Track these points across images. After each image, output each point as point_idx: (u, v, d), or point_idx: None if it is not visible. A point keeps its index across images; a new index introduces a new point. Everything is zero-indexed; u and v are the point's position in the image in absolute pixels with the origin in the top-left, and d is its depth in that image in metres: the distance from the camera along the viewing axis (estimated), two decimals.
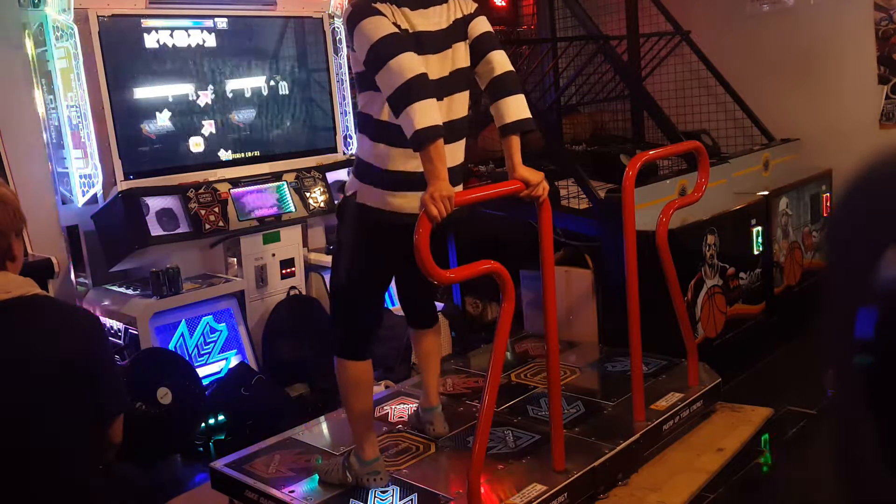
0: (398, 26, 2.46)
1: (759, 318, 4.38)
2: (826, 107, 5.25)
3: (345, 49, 4.78)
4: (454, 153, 2.66)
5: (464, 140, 2.74)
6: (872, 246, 0.71)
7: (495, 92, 2.62)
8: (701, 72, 5.52)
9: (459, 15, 2.65)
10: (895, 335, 0.69)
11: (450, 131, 2.61)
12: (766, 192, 4.49)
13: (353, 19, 2.46)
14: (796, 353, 4.09)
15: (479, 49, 2.65)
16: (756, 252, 4.35)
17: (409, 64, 2.34)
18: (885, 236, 0.72)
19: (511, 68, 2.65)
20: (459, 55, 2.64)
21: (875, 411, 0.73)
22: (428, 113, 2.30)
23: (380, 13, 2.45)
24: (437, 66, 2.55)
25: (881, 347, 0.70)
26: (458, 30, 2.64)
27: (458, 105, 2.68)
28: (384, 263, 2.80)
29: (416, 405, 3.32)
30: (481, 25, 2.67)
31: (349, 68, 2.72)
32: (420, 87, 2.32)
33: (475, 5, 2.72)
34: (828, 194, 4.97)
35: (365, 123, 2.66)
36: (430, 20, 2.58)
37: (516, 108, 2.59)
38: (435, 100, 2.35)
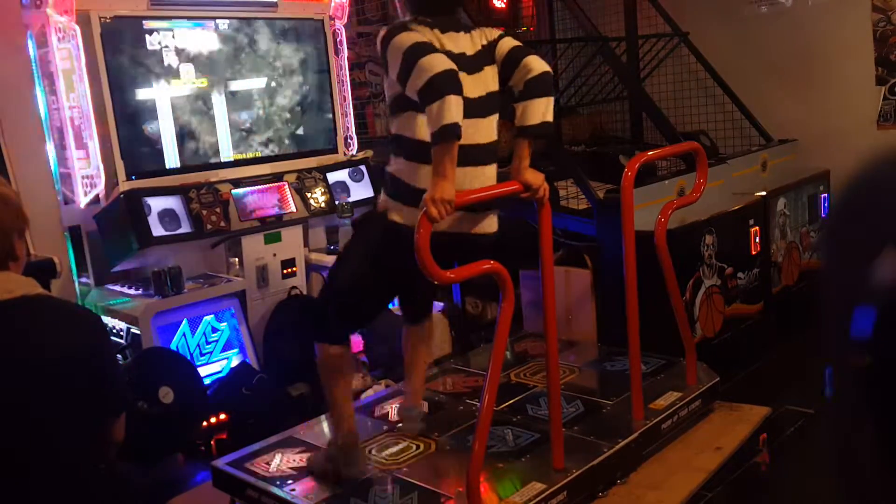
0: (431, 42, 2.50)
1: (757, 318, 4.39)
2: (824, 108, 5.26)
3: (345, 50, 4.80)
4: (486, 176, 2.67)
5: (495, 165, 2.72)
6: (870, 246, 0.72)
7: (530, 91, 2.58)
8: (699, 73, 5.53)
9: (485, 41, 2.68)
10: (893, 335, 0.70)
11: (483, 153, 2.64)
12: (764, 193, 4.50)
13: (387, 38, 2.49)
14: (794, 352, 4.11)
15: (514, 58, 2.63)
16: (754, 252, 4.37)
17: (440, 60, 2.36)
18: (882, 236, 0.72)
19: (549, 69, 2.63)
20: (490, 79, 2.66)
21: (873, 411, 0.74)
22: (457, 109, 2.32)
23: (413, 31, 2.50)
24: (472, 85, 2.54)
25: (879, 347, 0.71)
26: (486, 55, 2.66)
27: (492, 127, 2.69)
28: (398, 279, 2.82)
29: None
30: (510, 42, 2.68)
31: (383, 92, 2.76)
32: (452, 81, 2.33)
33: (500, 31, 2.75)
34: (825, 195, 5.00)
35: (401, 146, 2.65)
36: (460, 44, 2.61)
37: (545, 110, 2.57)
38: (462, 98, 2.35)
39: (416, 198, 2.49)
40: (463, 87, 2.38)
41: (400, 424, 3.27)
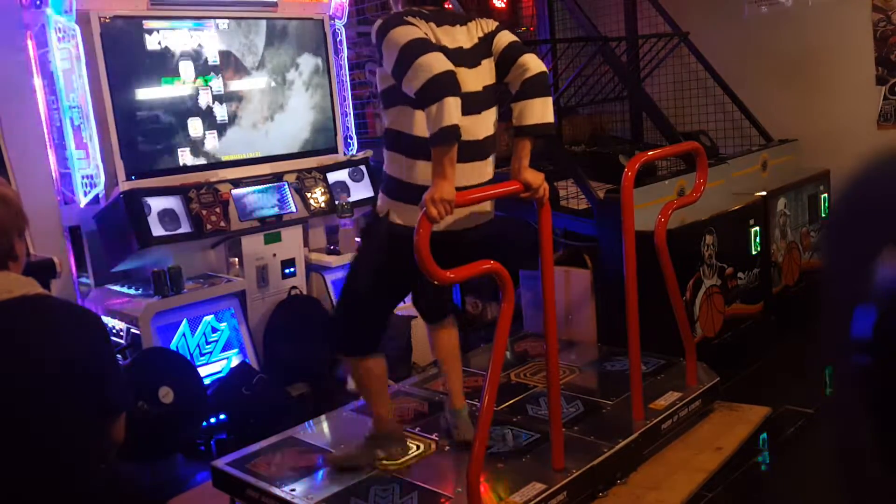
0: (428, 38, 2.48)
1: (758, 318, 4.39)
2: (824, 108, 5.26)
3: (345, 50, 4.80)
4: (484, 170, 2.67)
5: (492, 157, 2.72)
6: (870, 246, 0.72)
7: (526, 91, 2.57)
8: (699, 73, 5.53)
9: (482, 34, 2.66)
10: (893, 334, 0.70)
11: (482, 147, 2.63)
12: (765, 193, 4.50)
13: (383, 30, 2.46)
14: (794, 352, 4.11)
15: (510, 56, 2.62)
16: (754, 252, 4.37)
17: (439, 60, 2.33)
18: (882, 236, 0.72)
19: (545, 69, 2.62)
20: (487, 72, 2.65)
21: (873, 410, 0.73)
22: (456, 111, 2.30)
23: (410, 24, 2.47)
24: (469, 80, 2.53)
25: (879, 347, 0.71)
26: (483, 48, 2.65)
27: (490, 121, 2.68)
28: (408, 279, 2.81)
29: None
30: (507, 37, 2.67)
31: (374, 85, 2.74)
32: (450, 82, 2.31)
33: (496, 23, 2.73)
34: (825, 195, 4.99)
35: (395, 140, 2.63)
36: (456, 38, 2.59)
37: (543, 111, 2.56)
38: (460, 98, 2.33)
39: (416, 195, 2.48)
40: (462, 83, 2.36)
41: (454, 432, 3.12)
